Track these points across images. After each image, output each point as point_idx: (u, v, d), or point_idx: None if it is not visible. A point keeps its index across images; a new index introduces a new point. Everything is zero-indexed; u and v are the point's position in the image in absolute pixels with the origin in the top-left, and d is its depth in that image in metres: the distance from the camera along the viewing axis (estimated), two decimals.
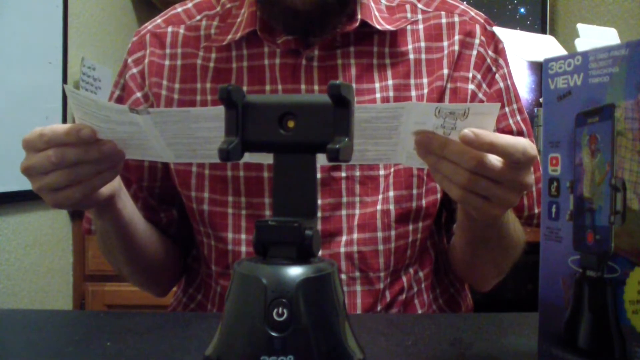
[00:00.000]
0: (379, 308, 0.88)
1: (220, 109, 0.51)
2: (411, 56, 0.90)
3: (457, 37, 0.91)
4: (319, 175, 0.84)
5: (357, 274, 0.87)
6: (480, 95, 0.91)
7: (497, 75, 0.93)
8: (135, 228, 0.88)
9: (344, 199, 0.87)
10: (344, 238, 0.87)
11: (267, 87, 0.88)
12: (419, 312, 0.91)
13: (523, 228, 0.91)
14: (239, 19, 0.90)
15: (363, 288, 0.87)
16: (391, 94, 0.88)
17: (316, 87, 0.87)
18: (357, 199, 0.87)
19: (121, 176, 0.82)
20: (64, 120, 1.89)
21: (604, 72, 0.50)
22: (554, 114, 0.55)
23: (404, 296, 0.90)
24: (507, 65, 0.95)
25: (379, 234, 0.87)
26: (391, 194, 0.87)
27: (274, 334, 0.46)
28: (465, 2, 0.97)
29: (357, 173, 0.87)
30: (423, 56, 0.90)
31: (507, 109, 0.93)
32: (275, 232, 0.49)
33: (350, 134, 0.49)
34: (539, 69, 2.19)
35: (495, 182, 0.64)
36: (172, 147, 0.69)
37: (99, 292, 1.98)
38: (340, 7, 0.85)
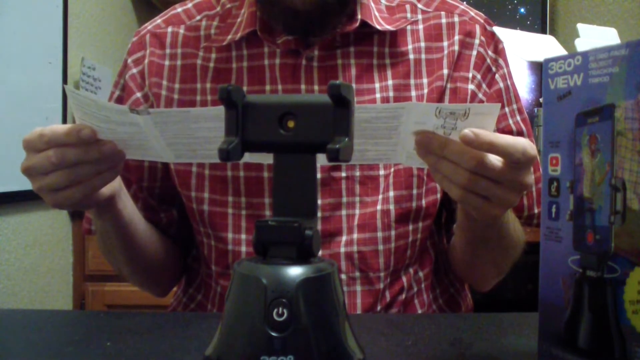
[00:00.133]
0: (378, 308, 0.88)
1: (220, 109, 0.51)
2: (411, 56, 0.90)
3: (457, 37, 0.91)
4: (319, 175, 0.84)
5: (357, 274, 0.87)
6: (480, 95, 0.91)
7: (497, 76, 0.93)
8: (135, 228, 0.88)
9: (344, 199, 0.87)
10: (344, 238, 0.87)
11: (267, 87, 0.88)
12: (419, 312, 0.91)
13: (523, 228, 0.91)
14: (239, 19, 0.90)
15: (363, 288, 0.87)
16: (391, 94, 0.88)
17: (316, 87, 0.87)
18: (357, 199, 0.87)
19: (121, 176, 0.82)
20: (64, 121, 1.89)
21: (604, 72, 0.50)
22: (554, 114, 0.55)
23: (403, 296, 0.90)
24: (507, 65, 0.95)
25: (379, 234, 0.87)
26: (391, 194, 0.87)
27: (274, 334, 0.46)
28: (465, 2, 0.97)
29: (357, 173, 0.87)
30: (423, 56, 0.90)
31: (507, 109, 0.93)
32: (275, 232, 0.49)
33: (350, 134, 0.49)
34: (539, 69, 2.19)
35: (495, 182, 0.64)
36: (172, 147, 0.69)
37: (99, 292, 1.98)
38: (340, 7, 0.85)
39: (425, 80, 0.89)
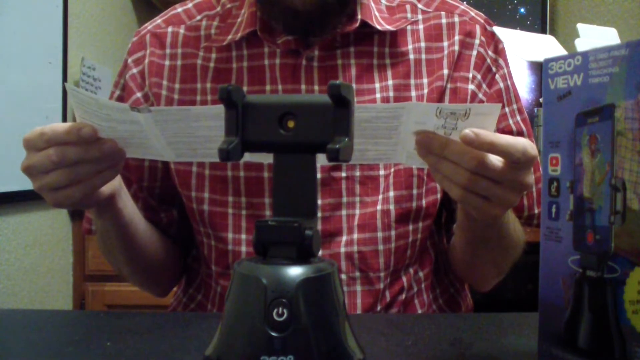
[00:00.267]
0: (378, 308, 0.88)
1: (221, 108, 0.51)
2: (411, 56, 0.90)
3: (457, 38, 0.91)
4: (319, 175, 0.84)
5: (357, 274, 0.87)
6: (480, 95, 0.91)
7: (497, 76, 0.93)
8: (135, 228, 0.88)
9: (344, 199, 0.87)
10: (344, 238, 0.87)
11: (267, 87, 0.88)
12: (419, 312, 0.91)
13: (523, 228, 0.91)
14: (239, 19, 0.90)
15: (363, 288, 0.87)
16: (391, 94, 0.88)
17: (316, 87, 0.87)
18: (357, 199, 0.87)
19: (121, 176, 0.82)
20: (64, 120, 1.89)
21: (604, 72, 0.50)
22: (554, 114, 0.55)
23: (403, 296, 0.90)
24: (507, 65, 0.95)
25: (379, 234, 0.87)
26: (391, 194, 0.87)
27: (274, 334, 0.46)
28: (465, 2, 0.97)
29: (357, 173, 0.87)
30: (423, 56, 0.90)
31: (507, 109, 0.93)
32: (275, 232, 0.49)
33: (350, 134, 0.49)
34: (539, 69, 2.19)
35: (496, 182, 0.64)
36: (173, 146, 0.69)
37: (99, 292, 1.98)
38: (340, 7, 0.85)
39: (425, 81, 0.89)
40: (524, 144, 0.62)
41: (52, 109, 1.84)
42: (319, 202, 0.86)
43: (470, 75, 0.90)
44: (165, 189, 0.95)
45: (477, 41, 0.91)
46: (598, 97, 0.51)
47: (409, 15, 0.92)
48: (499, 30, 0.97)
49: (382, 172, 0.87)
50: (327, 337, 0.48)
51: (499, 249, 0.87)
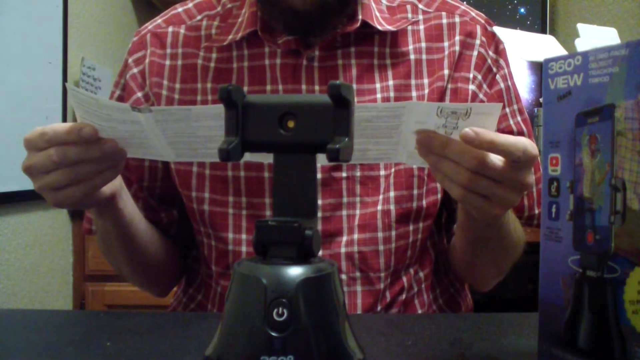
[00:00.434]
0: (379, 308, 0.88)
1: (222, 108, 0.51)
2: (412, 56, 0.90)
3: (457, 38, 0.91)
4: (319, 176, 0.84)
5: (358, 274, 0.87)
6: (481, 95, 0.91)
7: (497, 76, 0.93)
8: (135, 228, 0.88)
9: (345, 199, 0.87)
10: (344, 238, 0.87)
11: (268, 87, 0.88)
12: (419, 312, 0.91)
13: (523, 228, 0.91)
14: (239, 19, 0.90)
15: (363, 288, 0.87)
16: (392, 94, 0.88)
17: (317, 88, 0.87)
18: (358, 199, 0.87)
19: (122, 176, 0.82)
20: (64, 120, 1.89)
21: (604, 72, 0.50)
22: (554, 114, 0.55)
23: (404, 296, 0.90)
24: (508, 65, 0.95)
25: (380, 234, 0.87)
26: (392, 194, 0.87)
27: (274, 334, 0.46)
28: (465, 3, 0.97)
29: (358, 173, 0.87)
30: (424, 56, 0.90)
31: (507, 110, 0.93)
32: (275, 232, 0.49)
33: (350, 134, 0.49)
34: (539, 69, 2.19)
35: (496, 182, 0.64)
36: (173, 146, 0.69)
37: (99, 292, 1.98)
38: (341, 8, 0.85)
39: (426, 81, 0.89)
40: (525, 143, 0.62)
41: (52, 109, 1.84)
42: (320, 202, 0.86)
43: (471, 76, 0.90)
44: (165, 189, 0.95)
45: (477, 41, 0.91)
46: (598, 97, 0.51)
47: (409, 15, 0.92)
48: (499, 31, 0.97)
49: (382, 173, 0.87)
50: (327, 337, 0.48)
51: (499, 249, 0.87)
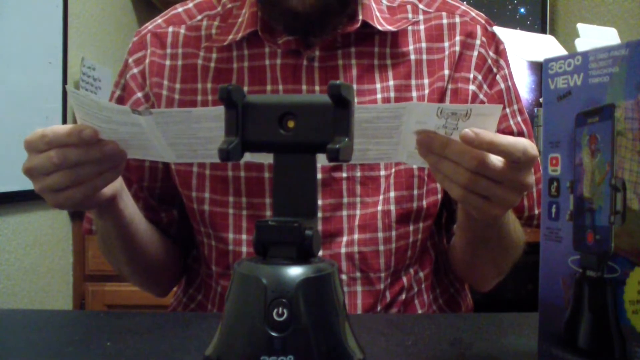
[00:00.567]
0: (379, 308, 0.88)
1: (222, 110, 0.51)
2: (412, 57, 0.90)
3: (458, 38, 0.91)
4: (319, 176, 0.84)
5: (358, 274, 0.87)
6: (481, 96, 0.91)
7: (497, 76, 0.93)
8: (136, 228, 0.88)
9: (345, 200, 0.87)
10: (344, 238, 0.87)
11: (268, 88, 0.88)
12: (419, 312, 0.91)
13: (523, 229, 0.91)
14: (240, 19, 0.90)
15: (363, 288, 0.87)
16: (392, 94, 0.88)
17: (317, 88, 0.87)
18: (358, 199, 0.87)
19: (122, 176, 0.82)
20: (64, 120, 1.89)
21: (604, 72, 0.50)
22: (554, 114, 0.55)
23: (404, 296, 0.90)
24: (508, 66, 0.95)
25: (380, 235, 0.87)
26: (392, 194, 0.87)
27: (274, 334, 0.46)
28: (465, 3, 0.97)
29: (358, 174, 0.87)
30: (424, 57, 0.90)
31: (507, 110, 0.93)
32: (275, 232, 0.49)
33: (350, 134, 0.49)
34: (539, 69, 2.19)
35: (496, 182, 0.64)
36: (174, 147, 0.70)
37: (99, 292, 1.98)
38: (341, 8, 0.85)
39: (426, 81, 0.89)
40: (524, 143, 0.62)
41: (52, 109, 1.85)
42: (320, 202, 0.86)
43: (471, 76, 0.90)
44: (165, 189, 0.95)
45: (478, 42, 0.91)
46: (598, 97, 0.51)
47: (410, 15, 0.92)
48: (499, 31, 0.97)
49: (382, 173, 0.87)
50: (327, 337, 0.48)
51: (499, 249, 0.87)
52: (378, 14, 0.90)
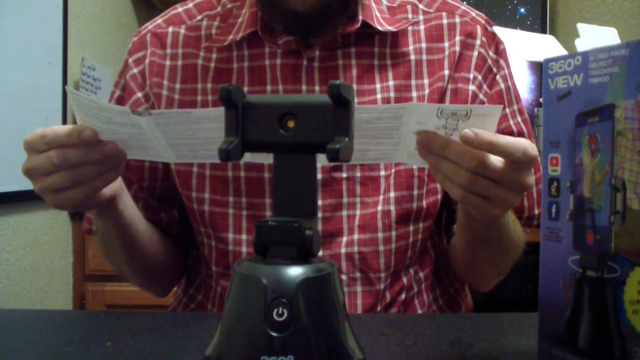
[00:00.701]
0: (379, 308, 0.88)
1: (222, 110, 0.51)
2: (412, 57, 0.90)
3: (458, 38, 0.91)
4: (319, 176, 0.84)
5: (358, 274, 0.87)
6: (481, 96, 0.91)
7: (497, 76, 0.93)
8: (136, 228, 0.88)
9: (345, 200, 0.87)
10: (344, 239, 0.87)
11: (268, 88, 0.88)
12: (419, 312, 0.91)
13: (523, 229, 0.91)
14: (240, 19, 0.90)
15: (363, 289, 0.87)
16: (392, 94, 0.88)
17: (317, 88, 0.87)
18: (358, 199, 0.87)
19: (122, 176, 0.82)
20: (64, 121, 1.89)
21: (604, 72, 0.50)
22: (554, 114, 0.55)
23: (404, 296, 0.90)
24: (508, 66, 0.95)
25: (380, 235, 0.87)
26: (392, 194, 0.87)
27: (274, 334, 0.46)
28: (465, 3, 0.97)
29: (358, 174, 0.87)
30: (424, 57, 0.90)
31: (507, 110, 0.93)
32: (275, 232, 0.49)
33: (350, 134, 0.49)
34: (539, 69, 2.19)
35: (496, 183, 0.64)
36: (174, 148, 0.70)
37: (99, 292, 1.98)
38: (341, 8, 0.85)
39: (426, 81, 0.89)
40: (524, 144, 0.62)
41: (52, 109, 1.84)
42: (320, 202, 0.86)
43: (471, 76, 0.90)
44: (165, 189, 0.95)
45: (478, 42, 0.91)
46: (598, 97, 0.51)
47: (410, 15, 0.92)
48: (499, 31, 0.97)
49: (382, 173, 0.87)
50: (327, 337, 0.48)
51: (499, 249, 0.87)
52: (378, 14, 0.90)
